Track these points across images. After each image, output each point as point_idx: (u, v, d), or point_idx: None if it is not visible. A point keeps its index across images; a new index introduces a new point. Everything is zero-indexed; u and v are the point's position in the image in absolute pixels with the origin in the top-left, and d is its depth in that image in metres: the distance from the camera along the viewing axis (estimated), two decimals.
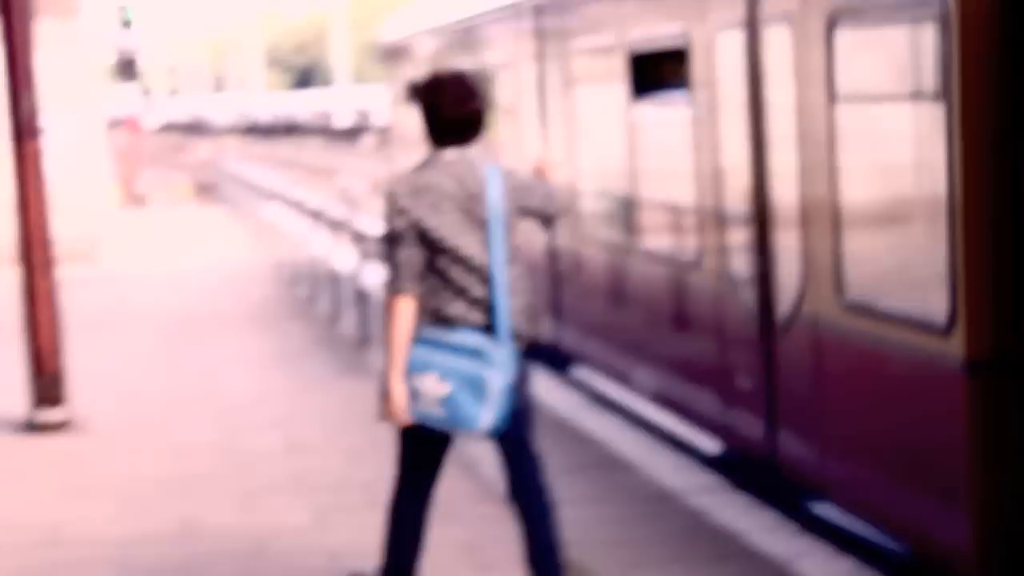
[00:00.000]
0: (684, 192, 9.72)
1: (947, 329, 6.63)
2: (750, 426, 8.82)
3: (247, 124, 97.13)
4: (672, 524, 8.08)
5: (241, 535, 8.05)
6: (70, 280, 19.98)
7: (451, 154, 6.43)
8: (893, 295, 7.19)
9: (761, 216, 8.56)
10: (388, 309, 6.37)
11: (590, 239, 11.85)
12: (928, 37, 6.65)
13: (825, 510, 8.06)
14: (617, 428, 10.36)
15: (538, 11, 12.78)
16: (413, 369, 6.32)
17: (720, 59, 8.98)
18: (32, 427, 10.92)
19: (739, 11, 8.63)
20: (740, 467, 9.09)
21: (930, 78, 6.67)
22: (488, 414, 6.24)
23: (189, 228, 29.89)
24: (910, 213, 7.06)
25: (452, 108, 6.44)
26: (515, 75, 13.60)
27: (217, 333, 15.30)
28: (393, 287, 6.35)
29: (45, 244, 11.17)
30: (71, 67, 22.53)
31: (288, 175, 51.96)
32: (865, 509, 7.61)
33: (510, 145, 13.65)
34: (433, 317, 6.36)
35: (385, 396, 6.36)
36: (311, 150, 62.03)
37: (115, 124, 38.62)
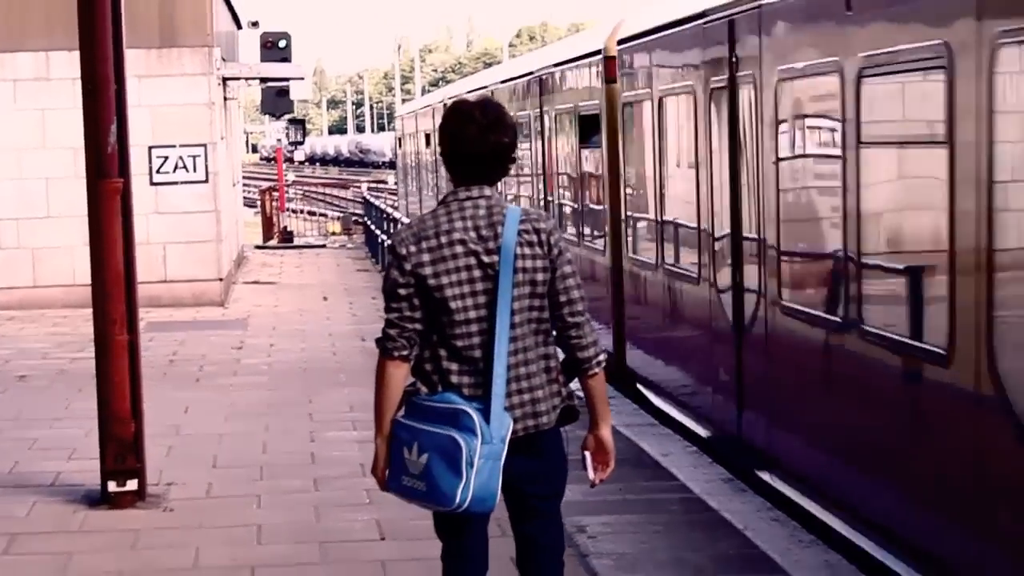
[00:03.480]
0: None
1: None
2: None
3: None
4: None
5: None
6: (188, 324, 19.14)
7: (470, 193, 5.44)
8: None
9: None
10: (377, 369, 5.55)
11: None
12: None
13: None
14: None
15: None
16: (400, 440, 5.40)
17: None
18: (100, 500, 9.72)
19: None
20: None
21: None
22: (465, 488, 5.24)
23: (327, 267, 28.86)
24: None
25: (476, 140, 5.39)
26: None
27: (330, 387, 14.04)
28: (384, 347, 5.53)
29: (124, 295, 9.95)
30: (205, 100, 21.56)
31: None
32: None
33: None
34: (426, 379, 5.49)
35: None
36: None
37: (265, 159, 38.00)
